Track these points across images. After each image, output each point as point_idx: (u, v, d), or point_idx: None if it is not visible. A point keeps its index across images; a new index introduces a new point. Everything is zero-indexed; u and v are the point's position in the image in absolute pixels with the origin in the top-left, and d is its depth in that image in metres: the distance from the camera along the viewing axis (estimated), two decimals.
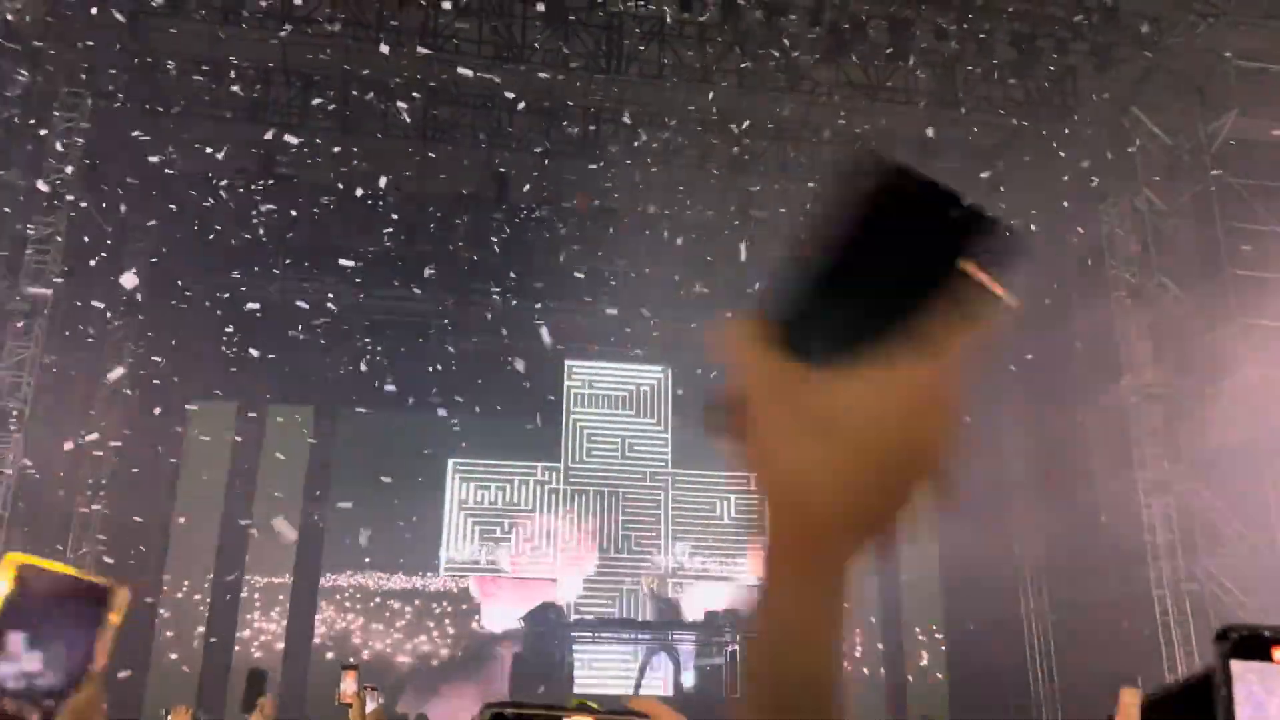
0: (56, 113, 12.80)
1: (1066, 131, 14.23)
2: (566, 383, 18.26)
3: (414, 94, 14.04)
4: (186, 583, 18.23)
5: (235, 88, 13.67)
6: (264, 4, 12.42)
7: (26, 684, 0.92)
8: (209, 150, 14.06)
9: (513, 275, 16.50)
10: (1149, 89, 13.48)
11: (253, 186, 14.94)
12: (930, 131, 14.46)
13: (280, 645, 18.49)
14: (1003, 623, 16.46)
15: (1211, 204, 12.85)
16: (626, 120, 14.40)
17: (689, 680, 15.76)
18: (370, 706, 5.21)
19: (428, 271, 16.38)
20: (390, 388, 17.35)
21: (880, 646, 20.05)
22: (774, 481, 0.60)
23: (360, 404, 17.67)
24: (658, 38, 13.35)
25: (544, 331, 16.76)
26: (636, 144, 14.61)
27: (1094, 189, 14.38)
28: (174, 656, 17.32)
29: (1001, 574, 16.57)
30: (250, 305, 16.65)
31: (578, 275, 16.50)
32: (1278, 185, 12.91)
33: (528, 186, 15.54)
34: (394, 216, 15.76)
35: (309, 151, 14.27)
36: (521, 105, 14.10)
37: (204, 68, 13.54)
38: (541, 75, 13.53)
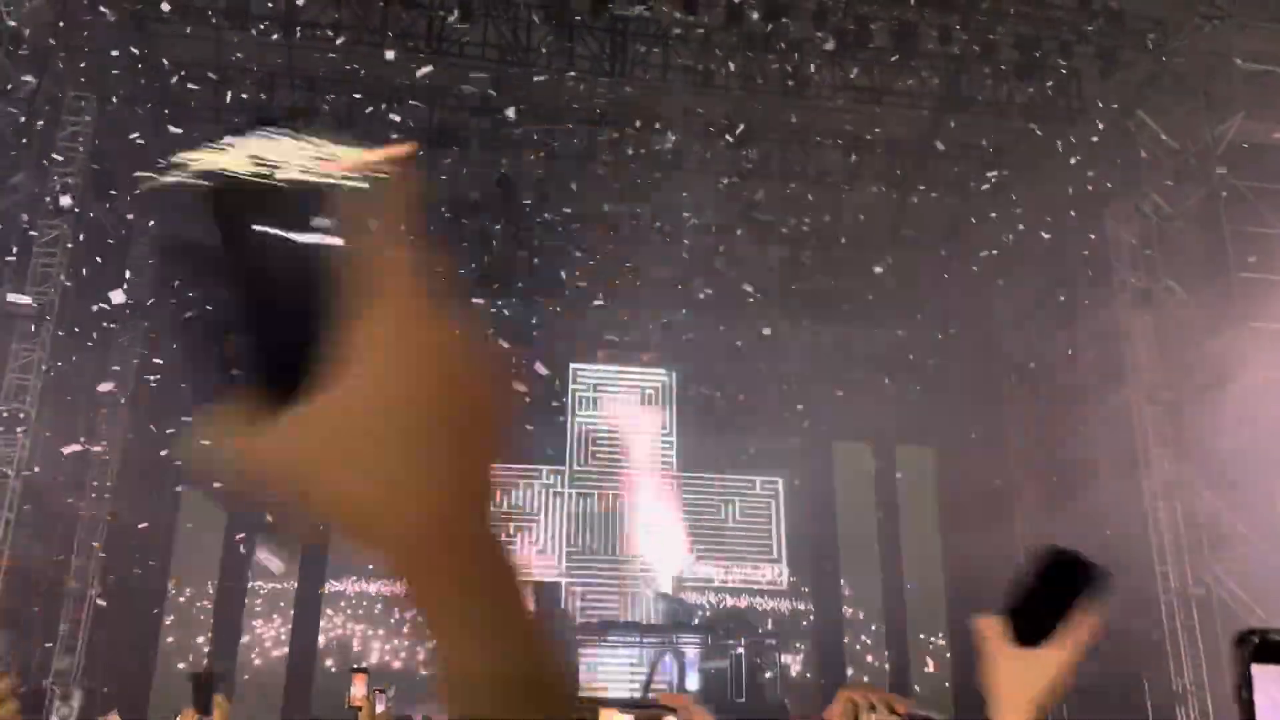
0: (63, 116, 12.84)
1: (1072, 135, 14.21)
2: (571, 386, 18.25)
3: (418, 99, 14.06)
4: (190, 589, 18.23)
5: (240, 92, 13.70)
6: (269, 7, 12.45)
7: None
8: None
9: (518, 279, 16.51)
10: (1154, 92, 13.45)
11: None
12: (935, 135, 14.47)
13: (283, 650, 18.49)
14: None
15: (1218, 207, 12.82)
16: (631, 125, 14.41)
17: (694, 683, 15.72)
18: (380, 708, 5.20)
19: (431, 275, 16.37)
20: None
21: (886, 654, 20.00)
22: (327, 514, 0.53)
23: None
24: (662, 42, 13.36)
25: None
26: (641, 148, 14.61)
27: (1100, 192, 14.35)
28: (180, 666, 17.32)
29: (1007, 580, 16.50)
30: None
31: (582, 278, 16.52)
32: None
33: (532, 191, 15.55)
34: None
35: None
36: (526, 110, 14.12)
37: (209, 72, 13.57)
38: (546, 79, 13.55)
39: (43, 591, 13.14)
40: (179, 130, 13.89)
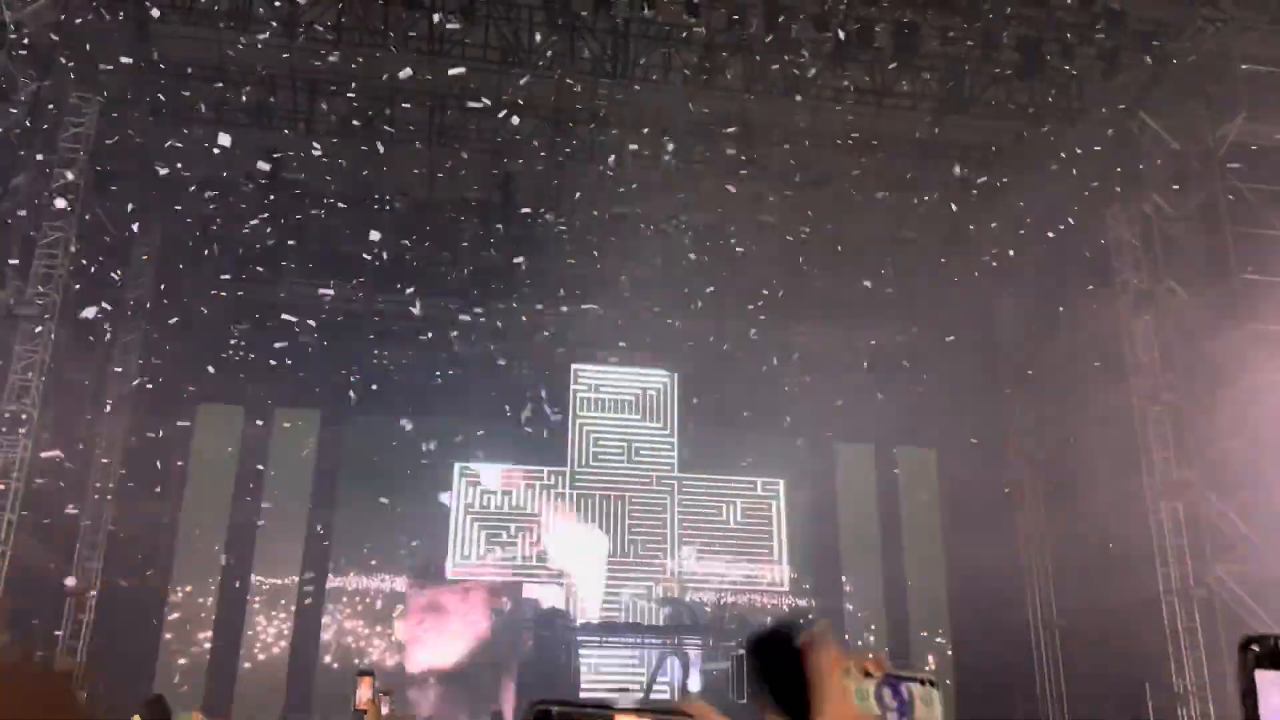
0: (64, 118, 12.84)
1: (1074, 137, 14.19)
2: (573, 387, 18.24)
3: (420, 100, 14.06)
4: (191, 586, 18.21)
5: (243, 94, 13.70)
6: (274, 8, 12.44)
7: None
8: (216, 155, 14.10)
9: (519, 280, 16.51)
10: (1156, 93, 13.43)
11: (260, 192, 14.96)
12: (936, 137, 14.46)
13: (284, 645, 18.47)
14: (1010, 628, 16.40)
15: (1220, 208, 12.81)
16: (633, 126, 14.40)
17: (696, 684, 15.71)
18: (384, 711, 5.21)
19: (435, 276, 16.42)
20: (397, 392, 17.37)
21: (887, 651, 19.99)
22: None
23: (367, 408, 17.67)
24: (663, 43, 13.35)
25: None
26: (644, 149, 14.60)
27: (1102, 193, 14.34)
28: (182, 662, 17.31)
29: (1008, 579, 16.51)
30: (257, 310, 16.69)
31: (584, 279, 16.52)
32: None
33: (534, 192, 15.54)
34: (401, 222, 15.79)
35: (316, 157, 14.30)
36: (528, 111, 14.11)
37: (211, 74, 13.58)
38: (548, 81, 13.54)
39: (44, 591, 13.15)
40: (181, 132, 13.92)
